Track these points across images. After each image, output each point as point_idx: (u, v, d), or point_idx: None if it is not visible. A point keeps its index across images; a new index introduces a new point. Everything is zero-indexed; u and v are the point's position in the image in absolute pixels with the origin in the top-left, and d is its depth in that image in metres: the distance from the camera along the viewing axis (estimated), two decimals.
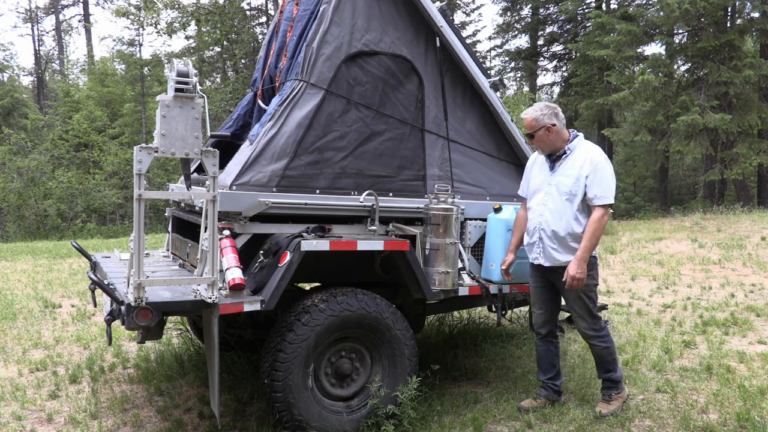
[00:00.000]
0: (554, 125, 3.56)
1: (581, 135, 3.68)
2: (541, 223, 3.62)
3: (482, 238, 4.03)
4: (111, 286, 3.23)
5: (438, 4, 4.05)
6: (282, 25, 4.22)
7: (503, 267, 3.79)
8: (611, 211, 3.57)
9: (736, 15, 18.14)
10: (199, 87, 2.80)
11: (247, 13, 23.67)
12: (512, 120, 4.31)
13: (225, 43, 23.74)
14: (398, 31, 3.88)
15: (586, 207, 3.54)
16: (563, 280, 3.51)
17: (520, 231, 3.79)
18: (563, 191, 3.55)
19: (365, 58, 3.75)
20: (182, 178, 3.37)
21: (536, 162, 3.80)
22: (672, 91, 17.52)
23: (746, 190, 18.50)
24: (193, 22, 21.83)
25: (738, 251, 9.89)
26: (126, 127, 28.16)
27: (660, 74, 17.61)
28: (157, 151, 2.75)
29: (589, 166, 3.50)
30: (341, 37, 3.67)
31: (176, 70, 2.75)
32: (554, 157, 3.64)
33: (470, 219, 4.04)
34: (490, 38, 42.29)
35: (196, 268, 3.11)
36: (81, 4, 36.24)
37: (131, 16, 23.86)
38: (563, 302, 3.90)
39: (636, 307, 6.61)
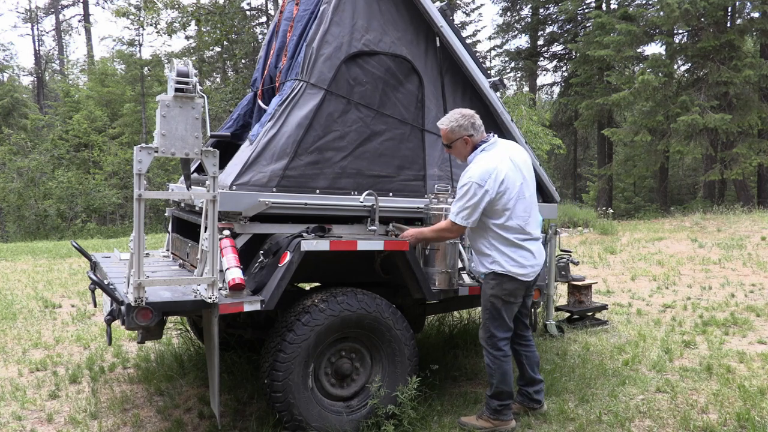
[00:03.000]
0: (471, 136, 3.41)
1: (483, 146, 3.41)
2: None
3: None
4: (111, 286, 3.23)
5: (438, 4, 4.05)
6: (282, 25, 4.22)
7: None
8: (455, 233, 3.40)
9: (736, 15, 18.16)
10: (199, 87, 2.80)
11: (247, 13, 23.67)
12: (512, 120, 4.31)
13: (225, 43, 23.73)
14: (398, 31, 3.88)
15: (481, 222, 3.37)
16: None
17: None
18: None
19: (365, 58, 3.75)
20: (182, 178, 3.37)
21: None
22: (672, 91, 17.53)
23: (746, 190, 18.51)
24: (193, 22, 21.83)
25: (738, 251, 9.89)
26: (126, 127, 28.16)
27: (660, 74, 17.62)
28: (157, 151, 2.74)
29: (460, 181, 3.36)
30: (341, 37, 3.67)
31: (176, 70, 2.75)
32: None
33: None
34: (490, 38, 42.32)
35: (196, 268, 3.11)
36: (81, 4, 36.26)
37: (131, 16, 23.90)
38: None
39: (636, 307, 6.61)
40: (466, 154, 3.47)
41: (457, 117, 3.43)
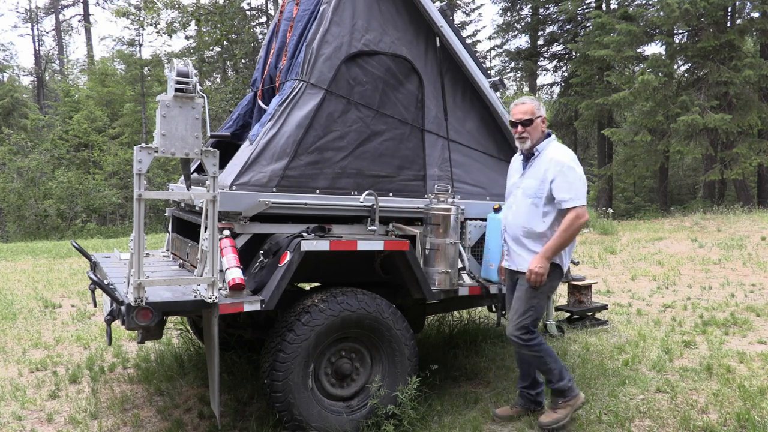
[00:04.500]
0: (545, 118, 3.54)
1: (553, 136, 3.55)
2: (506, 225, 3.58)
3: (482, 238, 4.03)
4: (111, 286, 3.23)
5: (438, 4, 4.05)
6: (282, 25, 4.22)
7: (499, 275, 3.76)
8: (587, 214, 3.40)
9: (736, 15, 18.16)
10: (199, 87, 2.80)
11: (247, 13, 23.67)
12: None
13: (225, 43, 23.73)
14: (398, 31, 3.88)
15: (557, 211, 3.38)
16: (524, 272, 3.41)
17: (502, 225, 3.73)
18: (528, 194, 3.45)
19: (365, 58, 3.75)
20: (182, 178, 3.37)
21: (513, 164, 3.75)
22: (672, 91, 17.53)
23: (746, 190, 18.51)
24: (193, 22, 21.85)
25: (738, 251, 9.89)
26: (126, 127, 28.16)
27: (660, 74, 17.62)
28: (157, 151, 2.74)
29: (554, 168, 3.36)
30: (341, 37, 3.67)
31: (176, 70, 2.75)
32: (526, 158, 3.56)
33: (470, 219, 4.03)
34: (490, 38, 42.33)
35: (196, 268, 3.11)
36: (81, 4, 36.26)
37: (131, 16, 23.90)
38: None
39: (636, 307, 6.61)
40: (539, 137, 3.50)
41: (533, 98, 3.53)
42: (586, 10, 23.56)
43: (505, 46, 27.51)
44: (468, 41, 19.79)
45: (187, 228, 3.95)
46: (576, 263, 5.58)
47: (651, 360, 4.69)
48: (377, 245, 3.37)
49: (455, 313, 5.53)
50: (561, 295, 6.65)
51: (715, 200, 19.73)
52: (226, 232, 3.21)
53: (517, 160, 3.70)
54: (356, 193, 3.66)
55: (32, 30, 37.40)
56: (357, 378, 3.47)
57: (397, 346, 3.44)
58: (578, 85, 21.91)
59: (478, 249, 4.04)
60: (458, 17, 26.80)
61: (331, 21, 3.64)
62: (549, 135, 3.54)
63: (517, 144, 3.56)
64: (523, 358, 3.56)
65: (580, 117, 22.61)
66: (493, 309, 4.33)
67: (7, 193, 21.03)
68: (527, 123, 3.46)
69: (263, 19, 23.90)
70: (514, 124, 3.50)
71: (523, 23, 26.69)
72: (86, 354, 4.93)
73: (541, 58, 27.19)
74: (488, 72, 4.30)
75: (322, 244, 3.23)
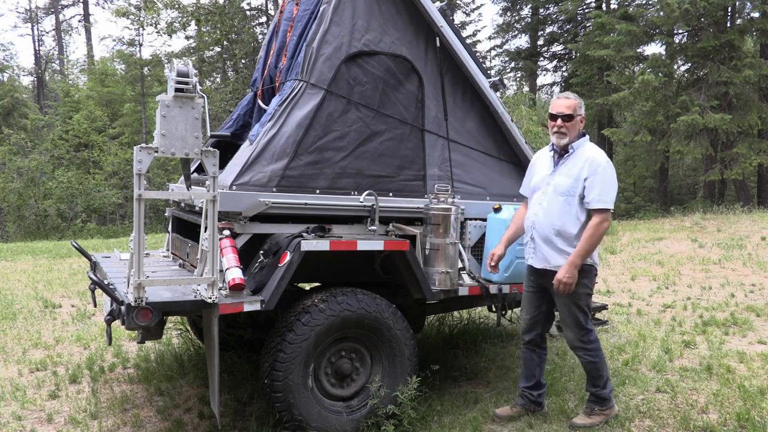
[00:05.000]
0: (584, 118, 3.54)
1: (587, 136, 3.56)
2: (534, 222, 3.51)
3: (482, 238, 4.03)
4: (111, 286, 3.22)
5: (438, 4, 4.04)
6: (282, 25, 4.22)
7: (490, 261, 3.63)
8: (611, 219, 3.43)
9: (736, 15, 18.15)
10: (199, 87, 2.80)
11: (247, 13, 23.67)
12: (512, 120, 4.31)
13: (225, 43, 23.74)
14: (398, 31, 3.88)
15: (587, 210, 3.40)
16: (553, 283, 3.40)
17: (515, 225, 3.67)
18: (560, 191, 3.42)
19: (365, 58, 3.74)
20: (182, 178, 3.37)
21: (539, 159, 3.68)
22: (672, 91, 17.52)
23: (746, 190, 18.50)
24: (193, 22, 21.85)
25: (738, 251, 9.89)
26: (126, 127, 28.16)
27: (660, 74, 17.61)
28: (157, 151, 2.74)
29: (589, 167, 3.35)
30: (341, 37, 3.66)
31: (176, 70, 2.75)
32: (558, 155, 3.52)
33: (470, 219, 4.03)
34: (490, 38, 42.33)
35: (196, 268, 3.11)
36: (81, 4, 36.26)
37: (131, 16, 23.90)
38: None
39: (636, 307, 6.61)
40: (576, 135, 3.49)
41: (576, 95, 3.52)
42: (586, 10, 23.56)
43: (505, 46, 27.54)
44: (468, 41, 19.80)
45: (187, 228, 3.95)
46: None
47: (651, 360, 4.70)
48: (377, 245, 3.37)
49: (455, 313, 5.53)
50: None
51: (715, 200, 19.72)
52: (226, 232, 3.21)
53: (545, 155, 3.64)
54: (356, 193, 3.66)
55: (32, 30, 37.41)
56: (357, 378, 3.47)
57: (397, 346, 3.44)
58: (578, 85, 21.91)
59: (478, 249, 4.04)
60: (458, 17, 26.81)
61: (331, 21, 3.64)
62: (584, 135, 3.53)
63: (553, 139, 3.51)
64: (581, 361, 3.58)
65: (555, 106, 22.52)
66: (493, 309, 4.33)
67: (7, 193, 21.03)
68: (568, 118, 3.43)
69: (263, 19, 23.91)
70: (554, 117, 3.46)
71: (523, 23, 26.70)
72: (86, 354, 4.93)
73: (541, 58, 27.20)
74: (488, 72, 4.30)
75: (322, 244, 3.23)
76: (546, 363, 4.18)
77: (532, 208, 3.58)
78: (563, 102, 3.47)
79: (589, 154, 3.42)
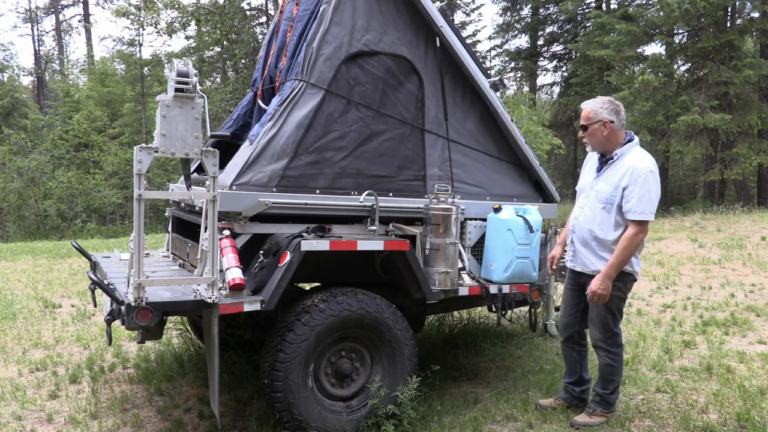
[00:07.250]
0: (612, 122, 3.40)
1: (636, 140, 3.46)
2: (575, 226, 3.56)
3: (482, 238, 4.02)
4: (111, 286, 3.23)
5: (438, 4, 4.04)
6: (282, 25, 4.22)
7: (550, 264, 3.77)
8: (648, 230, 3.33)
9: (736, 15, 18.15)
10: (199, 87, 2.80)
11: (247, 13, 23.67)
12: (512, 120, 4.31)
13: (225, 43, 23.74)
14: (398, 31, 3.88)
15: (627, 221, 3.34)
16: (586, 292, 3.42)
17: (570, 224, 3.70)
18: (600, 198, 3.40)
19: (365, 58, 3.74)
20: (182, 178, 3.37)
21: (590, 160, 3.68)
22: (672, 91, 17.52)
23: (746, 190, 18.51)
24: (193, 22, 21.84)
25: (738, 251, 9.89)
26: (126, 127, 28.15)
27: (660, 74, 17.61)
28: (157, 151, 2.74)
29: (630, 176, 3.28)
30: (341, 37, 3.66)
31: (176, 70, 2.75)
32: (604, 160, 3.49)
33: (470, 219, 4.04)
34: (490, 38, 42.33)
35: (196, 268, 3.11)
36: (81, 4, 36.26)
37: (131, 16, 23.89)
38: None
39: (636, 307, 6.61)
40: (601, 140, 3.44)
41: (604, 100, 3.46)
42: (586, 10, 23.57)
43: (505, 46, 27.54)
44: (468, 41, 19.81)
45: (187, 228, 3.95)
46: None
47: (651, 360, 4.70)
48: (377, 245, 3.37)
49: (455, 313, 5.53)
50: (561, 295, 6.64)
51: (715, 200, 19.72)
52: (226, 232, 3.21)
53: (594, 155, 3.64)
54: (356, 193, 3.66)
55: (32, 30, 37.42)
56: (357, 378, 3.47)
57: (397, 346, 3.44)
58: (578, 85, 21.92)
59: (478, 249, 4.04)
60: (458, 17, 26.81)
61: (331, 21, 3.64)
62: (631, 139, 3.45)
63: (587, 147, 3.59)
64: (599, 361, 3.59)
65: (580, 117, 22.57)
66: (493, 309, 4.33)
67: (7, 193, 21.03)
68: (584, 128, 3.48)
69: (263, 19, 23.91)
70: (582, 127, 3.52)
71: (523, 23, 26.71)
72: (86, 354, 4.93)
73: (541, 58, 27.20)
74: (488, 72, 4.30)
75: (322, 244, 3.23)
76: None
77: (575, 211, 3.62)
78: (582, 112, 3.51)
79: (630, 162, 3.34)
